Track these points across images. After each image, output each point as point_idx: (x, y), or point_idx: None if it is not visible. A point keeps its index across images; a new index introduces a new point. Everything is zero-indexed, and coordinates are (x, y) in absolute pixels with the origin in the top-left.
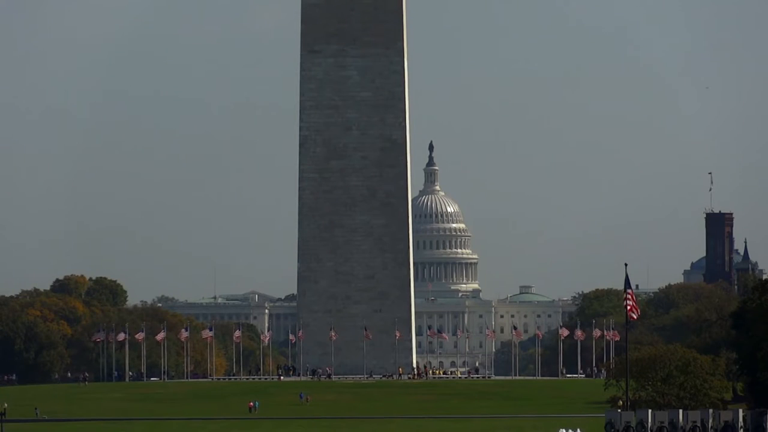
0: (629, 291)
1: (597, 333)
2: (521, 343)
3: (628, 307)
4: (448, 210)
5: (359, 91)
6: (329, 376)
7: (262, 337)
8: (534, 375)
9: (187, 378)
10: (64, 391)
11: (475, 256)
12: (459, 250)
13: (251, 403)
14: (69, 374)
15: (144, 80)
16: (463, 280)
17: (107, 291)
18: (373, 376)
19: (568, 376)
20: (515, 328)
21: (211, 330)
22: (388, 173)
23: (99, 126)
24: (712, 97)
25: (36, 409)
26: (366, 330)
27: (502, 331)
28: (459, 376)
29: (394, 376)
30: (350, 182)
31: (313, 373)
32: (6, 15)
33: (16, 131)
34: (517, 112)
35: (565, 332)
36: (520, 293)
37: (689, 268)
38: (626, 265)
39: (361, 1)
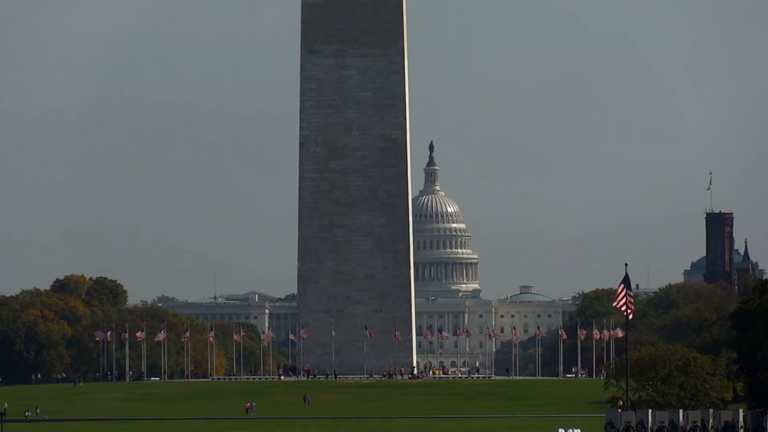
0: (629, 293)
1: (597, 334)
2: (521, 343)
3: (621, 303)
4: (448, 210)
5: (359, 91)
6: (328, 375)
7: (262, 337)
8: (534, 375)
9: (187, 378)
10: (64, 391)
11: (475, 256)
12: (459, 250)
13: (248, 404)
14: (64, 375)
15: (144, 80)
16: (463, 280)
17: (107, 291)
18: (373, 376)
19: (579, 375)
20: (515, 327)
21: (211, 330)
22: (388, 173)
23: (99, 126)
24: (712, 98)
25: (27, 412)
26: (367, 329)
27: (502, 331)
28: (459, 376)
29: (396, 376)
30: (350, 182)
31: (308, 373)
32: (6, 15)
33: (16, 131)
34: (517, 112)
35: (564, 334)
36: (520, 293)
37: (689, 268)
38: (626, 265)
39: (361, 1)
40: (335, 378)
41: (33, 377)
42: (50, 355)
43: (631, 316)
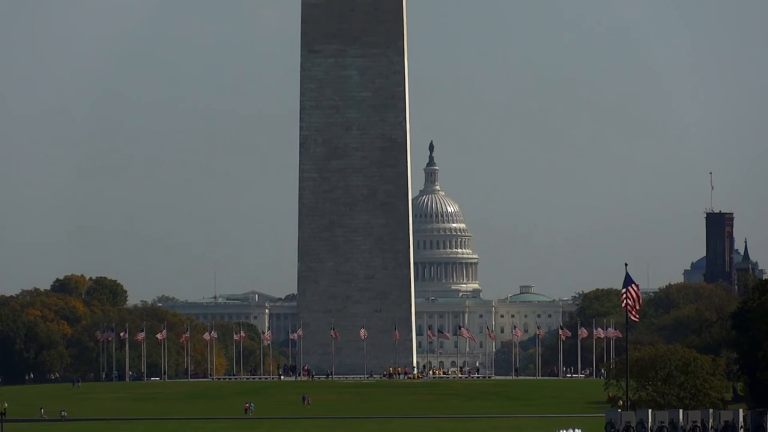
0: (631, 286)
1: (598, 333)
2: (521, 343)
3: (625, 306)
4: (448, 210)
5: (359, 91)
6: (328, 375)
7: (262, 337)
8: (534, 375)
9: (188, 378)
10: (63, 391)
11: (475, 256)
12: (459, 250)
13: (247, 405)
14: (58, 375)
15: (144, 80)
16: (463, 280)
17: (107, 291)
18: (374, 375)
19: (572, 375)
20: (515, 327)
21: (212, 331)
22: (388, 173)
23: (99, 126)
24: (713, 98)
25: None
26: (363, 329)
27: (502, 331)
28: (459, 376)
29: (395, 376)
30: (350, 182)
31: (308, 373)
32: (6, 15)
33: (17, 131)
34: (517, 112)
35: (566, 333)
36: (520, 293)
37: (689, 268)
38: (626, 264)
39: (361, 1)
40: (332, 378)
41: (26, 377)
42: (50, 355)
43: (635, 318)
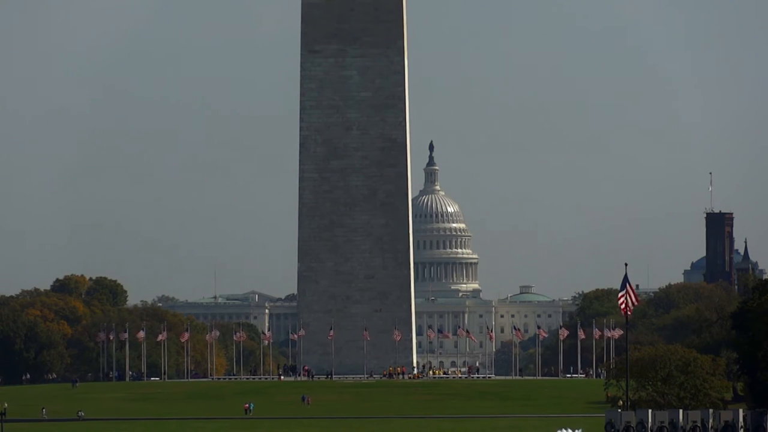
0: (628, 287)
1: (598, 333)
2: (521, 343)
3: (623, 306)
4: (448, 210)
5: (359, 91)
6: (328, 375)
7: (262, 337)
8: (534, 375)
9: (187, 378)
10: (63, 391)
11: (475, 256)
12: (459, 250)
13: (247, 405)
14: (55, 375)
15: (144, 80)
16: (463, 280)
17: (107, 291)
18: (374, 375)
19: (573, 376)
20: (515, 328)
21: (213, 331)
22: (388, 173)
23: (99, 126)
24: (713, 98)
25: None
26: (365, 330)
27: (502, 331)
28: (459, 376)
29: (395, 376)
30: (350, 182)
31: (308, 373)
32: (6, 15)
33: (16, 131)
34: (517, 111)
35: (565, 333)
36: (520, 293)
37: (689, 268)
38: (626, 265)
39: (361, 1)
40: (332, 378)
41: (23, 377)
42: (50, 355)
43: (630, 312)
